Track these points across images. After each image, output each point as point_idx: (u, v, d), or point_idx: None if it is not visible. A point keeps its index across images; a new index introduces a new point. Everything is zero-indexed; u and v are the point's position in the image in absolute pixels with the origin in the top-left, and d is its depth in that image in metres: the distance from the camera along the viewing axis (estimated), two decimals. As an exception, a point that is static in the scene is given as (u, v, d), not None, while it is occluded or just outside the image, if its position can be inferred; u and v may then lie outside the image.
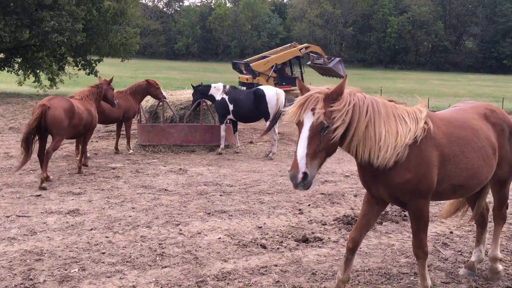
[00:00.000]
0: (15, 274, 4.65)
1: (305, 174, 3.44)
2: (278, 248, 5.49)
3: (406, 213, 6.91)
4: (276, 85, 18.16)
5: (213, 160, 10.98)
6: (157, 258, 5.14)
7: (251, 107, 11.52)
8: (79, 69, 28.40)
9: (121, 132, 11.96)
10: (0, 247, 5.33)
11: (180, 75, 46.52)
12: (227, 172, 9.71)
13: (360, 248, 5.56)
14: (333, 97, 3.52)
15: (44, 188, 7.91)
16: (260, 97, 11.34)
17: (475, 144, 4.10)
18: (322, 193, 8.08)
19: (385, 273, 4.92)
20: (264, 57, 21.91)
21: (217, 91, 11.99)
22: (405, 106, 4.06)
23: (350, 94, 3.65)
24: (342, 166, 10.57)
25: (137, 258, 5.11)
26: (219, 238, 5.78)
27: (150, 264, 4.97)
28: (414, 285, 4.62)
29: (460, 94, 37.68)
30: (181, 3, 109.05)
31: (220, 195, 7.86)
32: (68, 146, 12.05)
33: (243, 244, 5.61)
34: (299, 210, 7.10)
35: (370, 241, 5.78)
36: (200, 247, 5.49)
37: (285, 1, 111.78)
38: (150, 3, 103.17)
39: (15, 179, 8.67)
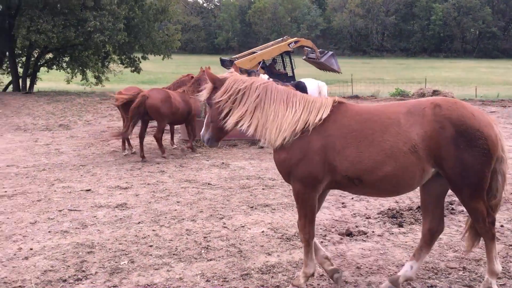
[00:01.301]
0: (69, 266, 4.86)
1: (202, 136, 4.42)
2: (321, 242, 5.47)
3: (454, 206, 6.74)
4: None
5: (255, 154, 11.05)
6: (202, 251, 5.24)
7: (293, 100, 11.50)
8: (125, 67, 29.17)
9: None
10: (54, 240, 5.59)
11: (221, 69, 46.90)
12: (269, 165, 9.74)
13: (406, 242, 5.48)
14: (216, 85, 4.31)
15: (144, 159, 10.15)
16: (302, 89, 11.30)
17: (376, 139, 3.91)
18: (366, 186, 7.97)
19: (432, 268, 4.82)
20: (253, 53, 20.66)
21: None
22: (324, 97, 4.46)
23: (235, 82, 4.25)
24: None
25: (183, 251, 5.23)
26: (262, 232, 5.83)
27: (195, 257, 5.07)
28: (462, 280, 4.51)
29: (510, 82, 36.15)
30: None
31: (263, 189, 7.90)
32: (115, 142, 12.41)
33: (286, 238, 5.63)
34: (342, 203, 7.05)
35: (416, 235, 5.68)
36: (244, 240, 5.56)
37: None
38: (190, 0, 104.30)
39: (66, 174, 9.03)
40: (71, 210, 6.76)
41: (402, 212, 6.51)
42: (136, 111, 10.10)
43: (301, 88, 11.31)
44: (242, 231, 5.89)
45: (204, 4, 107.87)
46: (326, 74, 23.53)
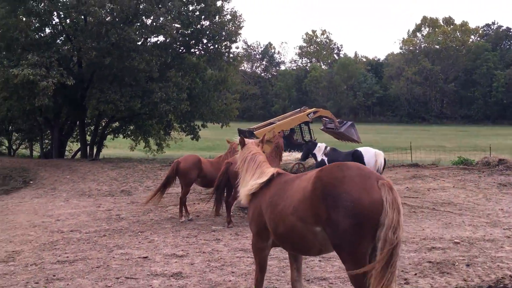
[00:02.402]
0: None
1: None
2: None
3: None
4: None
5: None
6: None
7: (349, 169, 11.34)
8: (186, 135, 30.29)
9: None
10: (110, 308, 5.61)
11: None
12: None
13: None
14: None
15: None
16: (358, 158, 11.19)
17: (278, 203, 4.60)
18: (430, 261, 7.52)
19: None
20: (271, 123, 20.35)
21: (319, 151, 12.11)
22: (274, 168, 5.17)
23: (245, 149, 5.48)
24: (450, 231, 9.84)
25: None
26: None
27: (250, 333, 4.89)
28: None
29: None
30: (277, 68, 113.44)
31: (319, 261, 7.65)
32: (173, 209, 12.63)
33: None
34: (405, 279, 6.65)
35: None
36: None
37: (381, 60, 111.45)
38: (248, 70, 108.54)
39: (125, 241, 9.21)
40: (128, 278, 6.81)
41: (472, 291, 6.04)
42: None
43: (357, 157, 11.19)
44: None
45: (262, 74, 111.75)
46: (383, 140, 23.18)
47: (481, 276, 6.74)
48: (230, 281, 6.61)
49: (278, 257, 7.93)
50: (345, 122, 20.97)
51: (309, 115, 20.06)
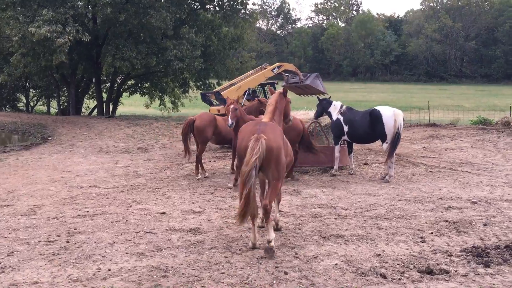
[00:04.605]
0: (144, 289, 4.96)
1: None
2: (399, 279, 5.19)
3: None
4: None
5: (327, 182, 10.84)
6: (274, 281, 5.14)
7: (366, 129, 11.21)
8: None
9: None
10: (130, 262, 5.74)
11: (291, 95, 47.07)
12: (342, 194, 9.51)
13: (494, 284, 5.05)
14: None
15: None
16: (377, 118, 10.99)
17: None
18: (446, 221, 7.51)
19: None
20: (233, 84, 18.93)
21: (335, 110, 11.91)
22: None
23: None
24: (467, 191, 9.78)
25: (254, 280, 5.16)
26: (335, 264, 5.63)
27: None
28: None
29: None
30: (294, 25, 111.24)
31: (335, 219, 7.69)
32: (189, 166, 12.73)
33: (361, 272, 5.39)
34: (421, 238, 6.67)
35: (505, 277, 5.22)
36: (316, 272, 5.39)
37: (400, 17, 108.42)
38: (264, 27, 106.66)
39: (143, 197, 9.36)
40: (147, 232, 6.94)
41: (489, 250, 6.02)
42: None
43: (375, 116, 10.95)
44: (315, 262, 5.72)
45: (278, 32, 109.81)
46: (399, 100, 22.51)
47: (498, 235, 6.72)
48: (247, 237, 6.69)
49: (294, 214, 8.00)
50: (308, 74, 19.35)
51: (274, 70, 18.85)
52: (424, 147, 15.83)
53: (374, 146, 14.46)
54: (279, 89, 7.62)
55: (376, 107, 11.43)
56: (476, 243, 6.40)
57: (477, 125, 20.07)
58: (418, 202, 8.82)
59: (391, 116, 10.89)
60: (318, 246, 6.31)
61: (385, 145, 10.98)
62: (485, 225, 7.25)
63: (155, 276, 5.27)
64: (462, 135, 17.83)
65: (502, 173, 11.65)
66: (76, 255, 5.98)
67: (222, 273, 5.37)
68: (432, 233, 6.89)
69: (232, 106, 10.35)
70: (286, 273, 5.36)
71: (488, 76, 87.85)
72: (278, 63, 19.58)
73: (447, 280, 5.17)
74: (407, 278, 5.23)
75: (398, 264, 5.64)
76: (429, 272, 5.36)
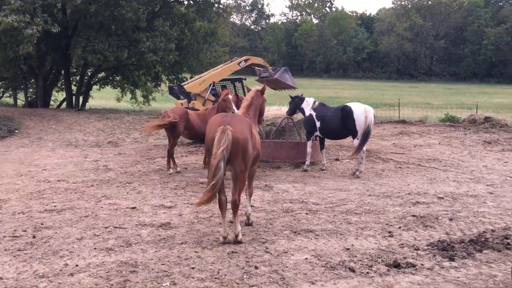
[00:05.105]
0: (112, 285, 4.89)
1: None
2: (367, 273, 5.27)
3: (509, 240, 6.36)
4: None
5: (299, 177, 10.92)
6: (244, 276, 5.15)
7: (338, 125, 11.33)
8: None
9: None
10: (99, 257, 5.66)
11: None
12: (313, 189, 9.60)
13: (458, 277, 5.20)
14: None
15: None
16: (348, 114, 11.12)
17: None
18: (414, 215, 7.68)
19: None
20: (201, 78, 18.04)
21: (307, 106, 12.00)
22: None
23: None
24: (435, 186, 10.01)
25: (225, 275, 5.16)
26: (306, 259, 5.68)
27: (237, 282, 4.98)
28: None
29: None
30: (267, 21, 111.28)
31: (306, 214, 7.76)
32: (161, 161, 12.61)
33: (330, 266, 5.46)
34: (389, 232, 6.80)
35: (469, 270, 5.37)
36: (286, 267, 5.43)
37: (372, 15, 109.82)
38: (238, 22, 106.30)
39: (113, 191, 9.22)
40: (117, 227, 6.85)
41: (454, 245, 6.19)
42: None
43: (347, 112, 11.08)
44: (285, 257, 5.76)
45: (252, 27, 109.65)
46: (371, 97, 22.78)
47: (463, 230, 6.91)
48: (218, 231, 6.69)
49: (265, 209, 8.03)
50: (278, 68, 18.96)
51: (240, 64, 18.18)
52: (394, 143, 16.12)
53: (345, 142, 14.63)
54: (257, 86, 7.67)
55: (348, 104, 11.56)
56: (442, 237, 6.57)
57: (445, 123, 20.53)
58: (387, 198, 8.99)
59: (362, 112, 11.04)
60: (289, 241, 6.35)
61: (356, 141, 11.13)
62: (451, 219, 7.45)
63: (124, 272, 5.21)
64: (431, 132, 18.23)
65: (468, 169, 11.98)
66: (43, 250, 5.86)
67: (193, 268, 5.35)
68: (399, 227, 7.03)
69: (231, 96, 10.60)
70: (256, 267, 5.38)
71: (457, 74, 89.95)
72: (245, 57, 18.94)
73: (413, 274, 5.29)
74: (375, 272, 5.32)
75: (367, 258, 5.74)
76: (396, 265, 5.47)
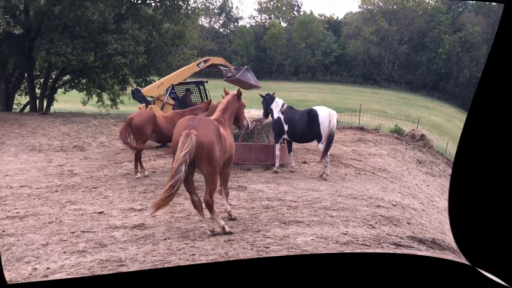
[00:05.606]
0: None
1: None
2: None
3: None
4: None
5: (270, 178, 10.92)
6: (261, 252, 5.17)
7: (304, 128, 11.37)
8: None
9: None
10: (72, 259, 5.43)
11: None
12: (287, 189, 9.63)
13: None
14: None
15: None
16: (314, 117, 11.19)
17: None
18: (382, 215, 7.91)
19: None
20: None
21: (276, 107, 12.01)
22: None
23: None
24: (387, 194, 10.44)
25: (237, 254, 5.08)
26: (312, 240, 5.70)
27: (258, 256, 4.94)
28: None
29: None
30: (236, 24, 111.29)
31: (287, 209, 7.78)
32: (128, 165, 12.37)
33: (343, 243, 5.57)
34: (371, 225, 7.10)
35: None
36: (298, 245, 5.44)
37: (339, 19, 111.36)
38: (206, 25, 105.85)
39: (78, 196, 8.96)
40: (85, 231, 6.64)
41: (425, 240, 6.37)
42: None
43: (313, 115, 11.14)
44: (290, 239, 5.81)
45: (220, 30, 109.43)
46: (336, 101, 22.84)
47: (422, 233, 7.19)
48: (202, 227, 6.54)
49: (244, 206, 7.97)
50: (240, 67, 18.58)
51: (199, 65, 17.71)
52: (353, 149, 16.37)
53: (312, 145, 14.74)
54: (234, 91, 7.62)
55: (314, 107, 11.60)
56: (411, 234, 6.74)
57: (394, 134, 20.92)
58: (354, 199, 9.15)
59: (326, 116, 11.13)
60: (283, 229, 6.35)
61: (321, 145, 11.22)
62: (408, 223, 7.74)
63: (110, 267, 5.02)
64: (382, 142, 18.62)
65: (407, 184, 12.46)
66: (5, 258, 5.61)
67: (193, 254, 5.19)
68: (376, 223, 7.19)
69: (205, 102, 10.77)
70: (267, 247, 5.33)
71: (411, 83, 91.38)
72: (204, 58, 18.38)
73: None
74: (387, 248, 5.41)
75: (370, 239, 5.82)
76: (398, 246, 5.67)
